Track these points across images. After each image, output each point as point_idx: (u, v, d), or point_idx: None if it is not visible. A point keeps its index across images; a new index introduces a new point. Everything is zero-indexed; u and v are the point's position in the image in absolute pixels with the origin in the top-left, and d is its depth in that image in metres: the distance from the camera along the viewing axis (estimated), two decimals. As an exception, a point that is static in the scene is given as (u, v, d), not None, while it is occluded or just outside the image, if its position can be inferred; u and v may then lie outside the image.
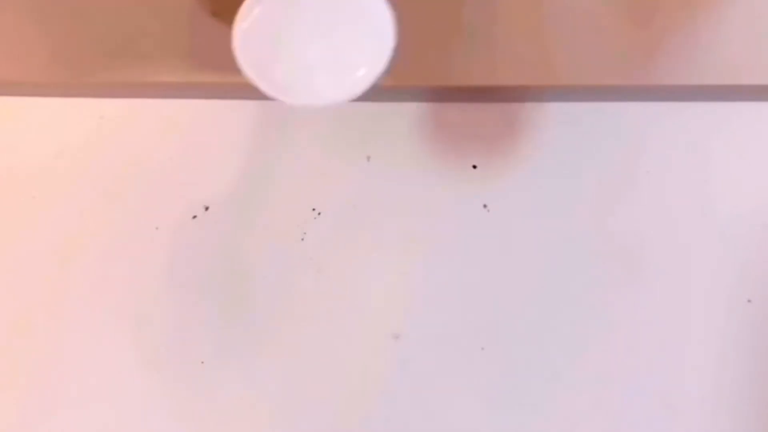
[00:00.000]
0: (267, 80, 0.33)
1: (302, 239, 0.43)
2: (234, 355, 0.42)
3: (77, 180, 0.45)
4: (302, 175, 0.44)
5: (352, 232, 0.43)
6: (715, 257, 0.42)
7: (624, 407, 0.41)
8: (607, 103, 0.44)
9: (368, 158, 0.44)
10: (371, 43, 0.34)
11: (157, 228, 0.44)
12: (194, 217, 0.44)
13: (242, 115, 0.45)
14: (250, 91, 0.34)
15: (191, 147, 0.45)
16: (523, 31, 0.42)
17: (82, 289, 0.44)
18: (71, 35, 0.44)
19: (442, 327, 0.42)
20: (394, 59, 0.34)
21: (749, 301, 0.41)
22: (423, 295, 0.42)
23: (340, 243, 0.43)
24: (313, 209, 0.44)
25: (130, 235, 0.44)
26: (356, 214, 0.43)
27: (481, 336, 0.42)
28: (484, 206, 0.43)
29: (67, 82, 0.45)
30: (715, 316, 0.41)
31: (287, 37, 0.34)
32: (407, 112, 0.44)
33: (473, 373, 0.41)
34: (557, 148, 0.43)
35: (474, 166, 0.44)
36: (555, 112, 0.44)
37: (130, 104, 0.46)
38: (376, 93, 0.44)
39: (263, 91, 0.33)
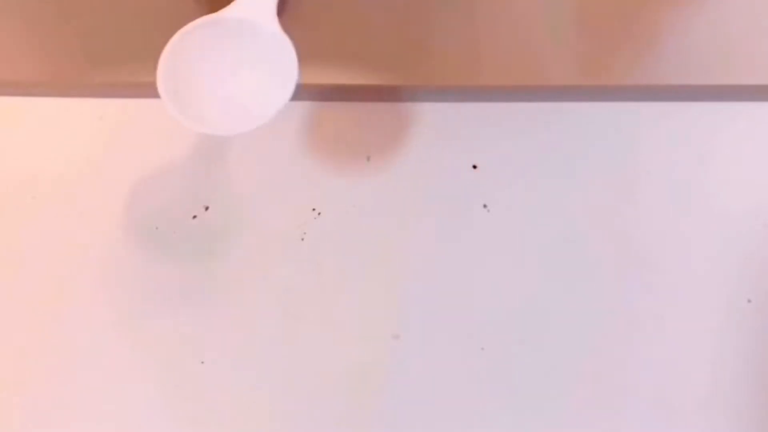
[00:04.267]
0: (183, 110, 0.37)
1: (302, 239, 0.43)
2: (234, 356, 0.42)
3: (77, 180, 0.45)
4: (302, 175, 0.44)
5: (352, 232, 0.43)
6: (715, 257, 0.42)
7: (624, 407, 0.41)
8: (607, 103, 0.44)
9: (368, 158, 0.44)
10: (277, 78, 0.37)
11: (157, 228, 0.44)
12: (194, 217, 0.44)
13: (242, 115, 0.45)
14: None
15: (191, 147, 0.45)
16: (520, 30, 0.42)
17: (83, 288, 0.44)
18: (71, 35, 0.44)
19: (442, 327, 0.42)
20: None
21: (749, 301, 0.41)
22: (423, 295, 0.42)
23: (340, 243, 0.43)
24: (313, 209, 0.44)
25: (130, 235, 0.44)
26: (356, 214, 0.43)
27: (481, 336, 0.42)
28: (484, 206, 0.43)
29: (67, 82, 0.45)
30: (715, 316, 0.41)
31: (200, 71, 0.38)
32: (407, 112, 0.44)
33: (473, 373, 0.41)
34: (557, 148, 0.44)
35: (474, 166, 0.44)
36: (555, 111, 0.44)
37: (130, 104, 0.46)
38: (376, 93, 0.44)
39: (177, 120, 0.37)
